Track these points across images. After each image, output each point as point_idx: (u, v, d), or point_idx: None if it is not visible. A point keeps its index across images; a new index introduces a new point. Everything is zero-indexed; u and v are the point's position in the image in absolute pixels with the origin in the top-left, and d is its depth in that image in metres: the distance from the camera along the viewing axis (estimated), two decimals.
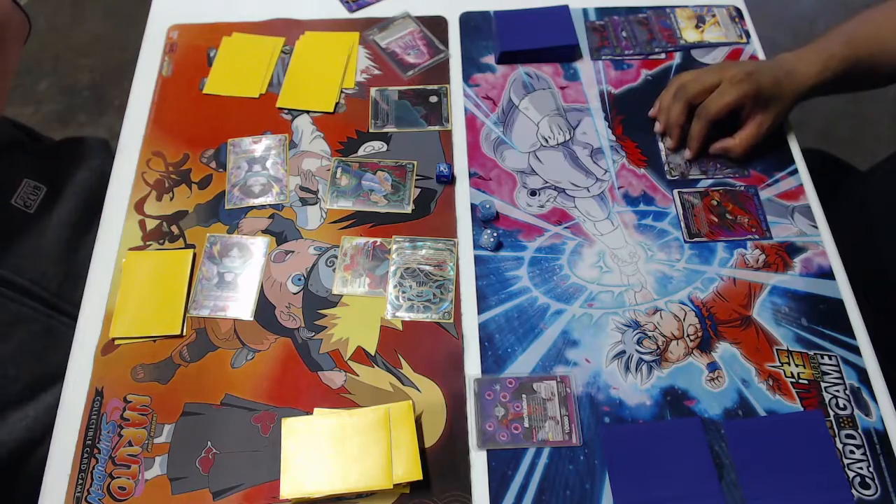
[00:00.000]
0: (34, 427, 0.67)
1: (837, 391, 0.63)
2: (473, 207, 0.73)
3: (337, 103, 0.81)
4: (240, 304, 0.68)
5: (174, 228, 0.72)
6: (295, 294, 0.68)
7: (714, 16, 0.88)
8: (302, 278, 0.69)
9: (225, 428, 0.62)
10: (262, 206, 0.74)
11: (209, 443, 0.61)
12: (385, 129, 0.79)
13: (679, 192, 0.74)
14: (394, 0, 0.90)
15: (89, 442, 0.61)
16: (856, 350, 0.65)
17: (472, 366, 0.64)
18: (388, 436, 0.58)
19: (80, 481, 0.59)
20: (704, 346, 0.65)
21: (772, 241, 0.71)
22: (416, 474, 0.57)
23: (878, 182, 0.85)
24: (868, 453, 0.60)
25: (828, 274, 0.69)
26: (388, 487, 0.57)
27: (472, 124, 0.80)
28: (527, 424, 0.61)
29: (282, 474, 0.57)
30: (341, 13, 0.89)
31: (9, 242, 0.71)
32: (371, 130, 0.79)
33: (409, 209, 0.73)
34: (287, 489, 0.57)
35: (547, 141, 0.79)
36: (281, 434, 0.59)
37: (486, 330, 0.66)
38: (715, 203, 0.74)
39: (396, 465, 0.57)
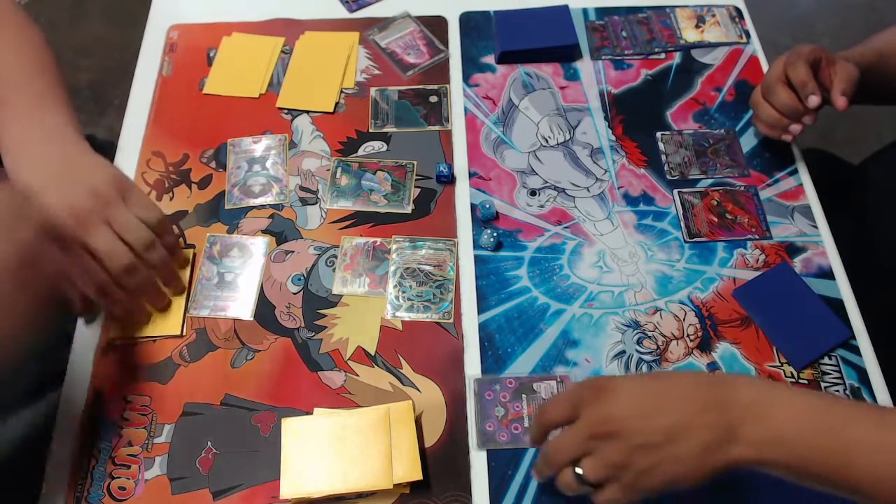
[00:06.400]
0: (40, 424, 0.67)
1: (837, 391, 0.63)
2: (473, 207, 0.73)
3: (337, 103, 0.81)
4: (240, 304, 0.68)
5: (174, 228, 0.72)
6: (295, 294, 0.68)
7: (714, 16, 0.88)
8: (302, 278, 0.69)
9: (225, 428, 0.61)
10: (262, 206, 0.74)
11: (209, 443, 0.61)
12: (385, 129, 0.79)
13: (679, 192, 0.74)
14: (394, 0, 0.90)
15: (89, 442, 0.61)
16: (856, 350, 0.65)
17: (472, 366, 0.64)
18: (389, 436, 0.58)
19: (80, 481, 0.59)
20: (704, 346, 0.65)
21: (772, 240, 0.71)
22: (416, 474, 0.57)
23: (875, 178, 0.86)
24: None
25: (828, 274, 0.69)
26: (389, 487, 0.57)
27: (472, 124, 0.80)
28: (527, 424, 0.61)
29: (282, 474, 0.57)
30: (341, 13, 0.89)
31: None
32: (371, 130, 0.79)
33: (409, 209, 0.73)
34: (287, 489, 0.57)
35: (547, 141, 0.79)
36: (281, 434, 0.59)
37: (486, 330, 0.66)
38: (715, 203, 0.74)
39: (396, 465, 0.57)
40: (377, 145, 0.78)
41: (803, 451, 0.46)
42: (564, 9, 0.87)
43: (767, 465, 0.47)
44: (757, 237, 0.71)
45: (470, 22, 0.88)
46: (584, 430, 0.49)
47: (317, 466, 0.57)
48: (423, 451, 0.60)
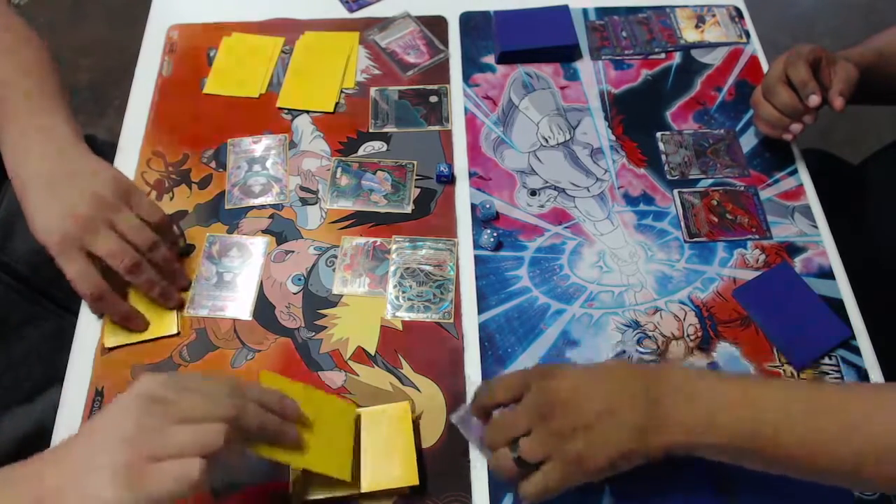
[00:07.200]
0: (40, 424, 0.67)
1: None
2: (473, 207, 0.73)
3: (337, 103, 0.81)
4: (238, 304, 0.68)
5: (174, 228, 0.72)
6: (295, 294, 0.68)
7: (714, 16, 0.88)
8: (302, 278, 0.69)
9: None
10: (262, 206, 0.74)
11: None
12: (385, 129, 0.79)
13: (679, 192, 0.74)
14: (394, 0, 0.90)
15: None
16: (856, 350, 0.65)
17: (472, 366, 0.64)
18: (352, 432, 0.57)
19: None
20: (704, 345, 0.65)
21: (772, 240, 0.71)
22: (413, 479, 0.56)
23: (875, 178, 0.86)
24: None
25: (828, 274, 0.69)
26: (345, 479, 0.55)
27: (472, 124, 0.80)
28: None
29: None
30: (341, 13, 0.89)
31: (25, 240, 0.71)
32: (371, 130, 0.79)
33: (409, 209, 0.73)
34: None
35: (547, 141, 0.79)
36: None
37: (486, 330, 0.66)
38: (715, 203, 0.74)
39: (394, 468, 0.57)
40: (377, 145, 0.78)
41: (732, 431, 0.49)
42: (564, 9, 0.87)
43: (700, 448, 0.50)
44: (757, 237, 0.71)
45: (470, 22, 0.88)
46: (530, 405, 0.52)
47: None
48: (422, 452, 0.60)
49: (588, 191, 0.75)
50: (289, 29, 0.87)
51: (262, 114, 0.81)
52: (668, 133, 0.79)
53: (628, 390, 0.51)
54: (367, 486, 0.56)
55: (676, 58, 0.85)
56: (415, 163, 0.76)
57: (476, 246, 0.71)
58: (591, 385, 0.52)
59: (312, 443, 0.54)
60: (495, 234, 0.70)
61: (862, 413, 0.49)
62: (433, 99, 0.81)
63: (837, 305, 0.67)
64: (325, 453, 0.55)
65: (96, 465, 0.43)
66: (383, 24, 0.88)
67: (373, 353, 0.65)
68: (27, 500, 0.44)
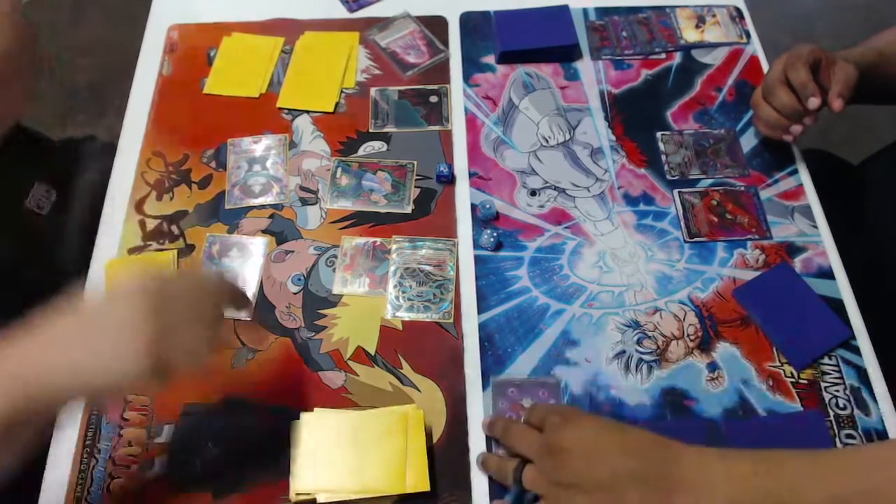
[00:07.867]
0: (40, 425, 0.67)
1: (837, 391, 0.63)
2: (473, 207, 0.73)
3: (337, 103, 0.81)
4: None
5: (174, 228, 0.72)
6: (295, 294, 0.68)
7: (714, 16, 0.88)
8: (302, 278, 0.69)
9: (225, 428, 0.61)
10: (262, 206, 0.74)
11: (209, 443, 0.61)
12: (385, 129, 0.79)
13: (679, 192, 0.74)
14: (394, 0, 0.90)
15: (89, 442, 0.61)
16: (856, 350, 0.65)
17: (472, 366, 0.64)
18: (405, 439, 0.58)
19: (80, 481, 0.59)
20: (704, 345, 0.65)
21: (772, 241, 0.71)
22: (424, 485, 0.57)
23: (875, 178, 0.86)
24: None
25: (828, 274, 0.69)
26: (402, 492, 0.56)
27: (472, 124, 0.80)
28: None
29: (294, 471, 0.57)
30: (341, 13, 0.89)
31: (25, 245, 0.71)
32: (371, 130, 0.79)
33: (409, 209, 0.73)
34: (299, 485, 0.56)
35: (547, 141, 0.79)
36: (292, 429, 0.59)
37: (486, 330, 0.66)
38: (715, 203, 0.74)
39: (406, 472, 0.57)
40: (377, 145, 0.78)
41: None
42: (564, 9, 0.87)
43: None
44: (757, 237, 0.71)
45: (470, 22, 0.88)
46: (541, 444, 0.52)
47: (333, 464, 0.57)
48: (433, 452, 0.60)
49: (588, 191, 0.75)
50: (289, 29, 0.87)
51: (262, 114, 0.81)
52: (668, 133, 0.79)
53: (630, 468, 0.49)
54: (377, 490, 0.56)
55: (676, 58, 0.85)
56: (415, 163, 0.76)
57: (476, 246, 0.71)
58: (599, 446, 0.50)
59: (367, 468, 0.57)
60: (495, 234, 0.70)
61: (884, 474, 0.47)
62: (433, 99, 0.81)
63: (837, 305, 0.67)
64: (383, 474, 0.57)
65: (123, 337, 0.45)
66: (383, 24, 0.88)
67: (373, 353, 0.65)
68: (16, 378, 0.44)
